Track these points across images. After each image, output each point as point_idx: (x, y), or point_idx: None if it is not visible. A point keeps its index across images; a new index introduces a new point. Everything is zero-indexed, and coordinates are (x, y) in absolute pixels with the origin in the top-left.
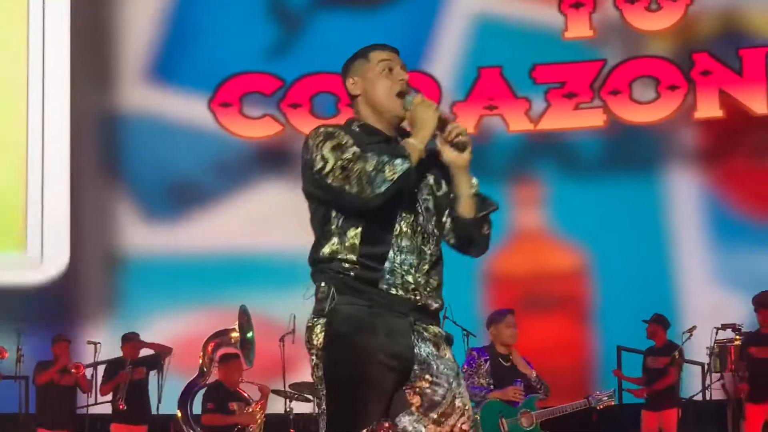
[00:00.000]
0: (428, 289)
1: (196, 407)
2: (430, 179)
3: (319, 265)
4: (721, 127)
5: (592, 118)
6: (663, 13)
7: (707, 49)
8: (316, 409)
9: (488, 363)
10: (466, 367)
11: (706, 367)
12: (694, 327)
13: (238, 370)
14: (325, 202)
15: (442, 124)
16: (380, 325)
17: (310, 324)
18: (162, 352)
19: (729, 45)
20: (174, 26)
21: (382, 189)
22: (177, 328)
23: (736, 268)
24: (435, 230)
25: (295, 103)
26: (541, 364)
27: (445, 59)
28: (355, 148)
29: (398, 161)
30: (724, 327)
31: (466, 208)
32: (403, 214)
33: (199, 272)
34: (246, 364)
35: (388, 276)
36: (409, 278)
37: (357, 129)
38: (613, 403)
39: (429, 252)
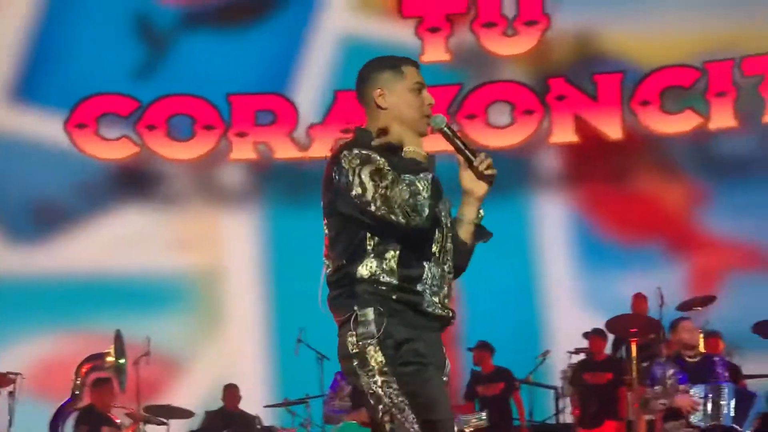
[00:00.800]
0: (449, 303)
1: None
2: (446, 200)
3: (355, 286)
4: (578, 151)
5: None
6: (519, 39)
7: (563, 75)
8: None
9: (351, 386)
10: (329, 390)
11: (559, 390)
12: (548, 351)
13: (111, 395)
14: (363, 225)
15: (471, 152)
16: (425, 339)
17: (358, 349)
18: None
19: (584, 70)
20: (38, 46)
21: (425, 212)
22: (35, 351)
23: (598, 291)
24: (451, 248)
25: (151, 124)
26: None
27: (308, 81)
28: (392, 174)
29: (426, 176)
30: (577, 351)
31: (466, 234)
32: (435, 236)
33: (59, 295)
34: (119, 389)
35: (425, 297)
36: (438, 297)
37: (388, 152)
38: (483, 425)
39: (447, 269)
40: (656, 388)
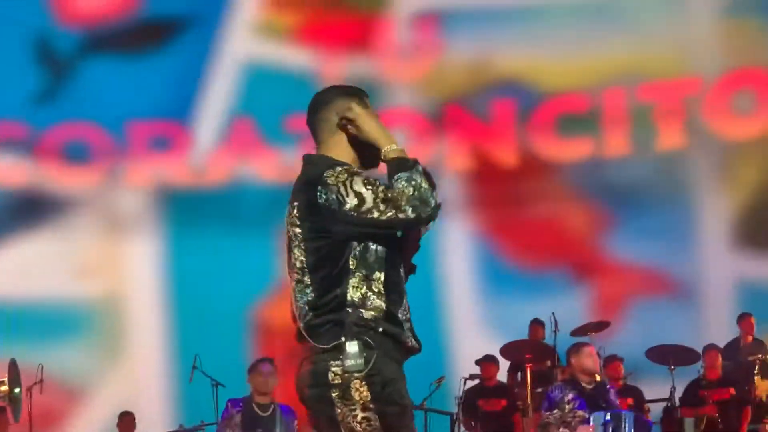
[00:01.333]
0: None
1: None
2: None
3: (344, 314)
4: (475, 177)
5: None
6: (414, 64)
7: (457, 101)
8: None
9: (240, 414)
10: (220, 419)
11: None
12: (443, 377)
13: (4, 425)
14: (348, 246)
15: None
16: (404, 377)
17: (340, 380)
18: None
19: (479, 96)
20: None
21: (432, 201)
22: None
23: (499, 317)
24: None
25: (47, 150)
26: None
27: (208, 107)
28: (382, 180)
29: (416, 166)
30: (472, 377)
31: None
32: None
33: None
34: (13, 420)
35: (404, 327)
36: (409, 325)
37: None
38: None
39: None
40: (555, 412)
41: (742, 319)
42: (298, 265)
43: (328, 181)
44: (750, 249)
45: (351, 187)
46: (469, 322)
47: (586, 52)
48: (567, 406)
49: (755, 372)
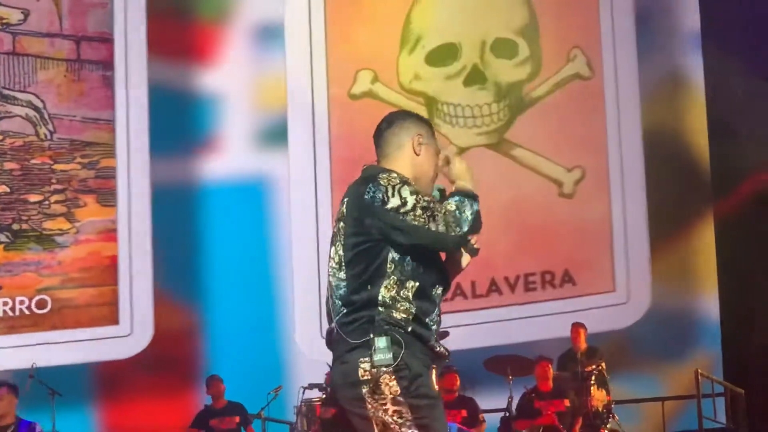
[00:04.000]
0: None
1: None
2: None
3: (375, 311)
4: None
5: None
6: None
7: None
8: None
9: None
10: None
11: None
12: (280, 387)
13: None
14: (384, 248)
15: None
16: (431, 375)
17: (370, 376)
18: None
19: None
20: None
21: (465, 228)
22: None
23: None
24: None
25: None
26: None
27: None
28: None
29: (474, 202)
30: (311, 386)
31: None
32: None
33: None
34: None
35: (432, 333)
36: (438, 335)
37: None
38: None
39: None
40: None
41: (574, 328)
42: (336, 259)
43: (380, 180)
44: None
45: (398, 191)
46: (307, 332)
47: None
48: None
49: (591, 382)
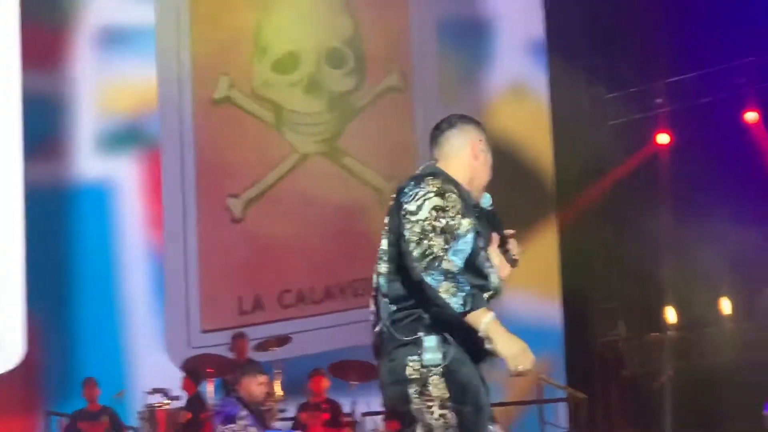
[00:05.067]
0: None
1: None
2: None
3: (427, 308)
4: None
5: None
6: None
7: None
8: None
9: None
10: None
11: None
12: (123, 390)
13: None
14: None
15: (504, 235)
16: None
17: (419, 375)
18: None
19: None
20: None
21: (439, 293)
22: None
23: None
24: None
25: None
26: None
27: None
28: (451, 223)
29: (483, 306)
30: (154, 391)
31: None
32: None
33: None
34: None
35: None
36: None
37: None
38: None
39: None
40: (230, 425)
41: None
42: (382, 255)
43: (422, 182)
44: None
45: (426, 198)
46: (148, 336)
47: None
48: (241, 422)
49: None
